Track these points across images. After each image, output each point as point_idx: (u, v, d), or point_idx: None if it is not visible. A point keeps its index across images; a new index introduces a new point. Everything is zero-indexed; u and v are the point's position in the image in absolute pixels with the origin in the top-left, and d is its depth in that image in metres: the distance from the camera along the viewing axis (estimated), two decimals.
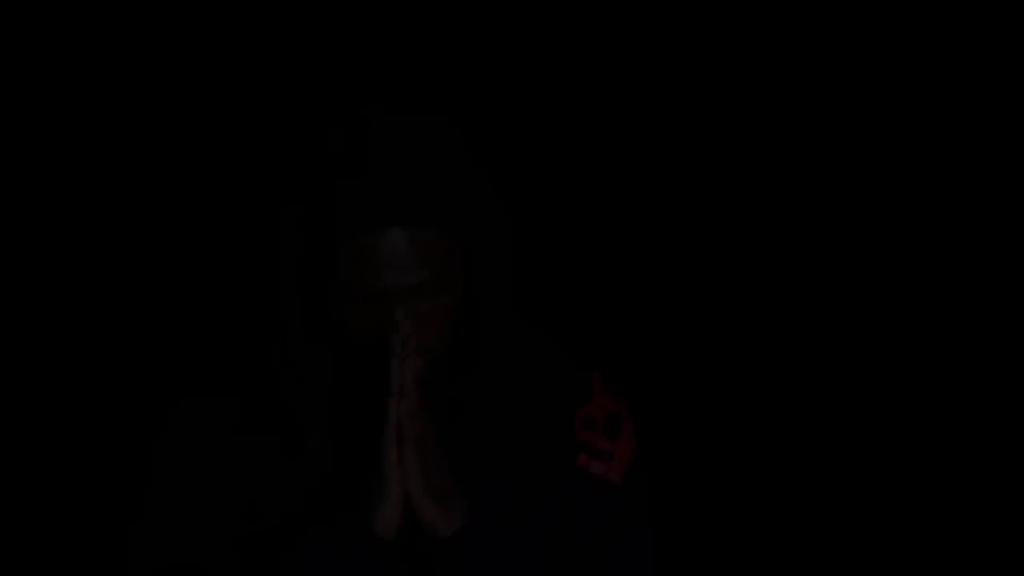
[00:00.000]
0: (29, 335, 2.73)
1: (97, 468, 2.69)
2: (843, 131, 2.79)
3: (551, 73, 2.78)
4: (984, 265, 2.77)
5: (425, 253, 1.30)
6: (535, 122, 2.78)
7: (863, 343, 2.82)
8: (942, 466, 2.79)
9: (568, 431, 1.41)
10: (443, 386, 1.37)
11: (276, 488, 1.39)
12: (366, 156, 1.31)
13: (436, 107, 1.37)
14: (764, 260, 2.82)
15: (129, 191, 2.74)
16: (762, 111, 2.79)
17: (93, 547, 2.67)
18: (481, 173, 1.37)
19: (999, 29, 2.71)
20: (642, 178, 2.81)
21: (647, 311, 2.82)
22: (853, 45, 2.76)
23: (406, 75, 2.68)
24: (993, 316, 2.77)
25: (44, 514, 2.71)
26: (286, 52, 2.71)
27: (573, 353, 1.47)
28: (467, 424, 1.38)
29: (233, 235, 2.70)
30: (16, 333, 2.72)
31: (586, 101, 2.79)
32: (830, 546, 2.80)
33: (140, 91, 2.71)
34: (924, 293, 2.79)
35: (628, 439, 1.43)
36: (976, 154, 2.76)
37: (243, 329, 1.47)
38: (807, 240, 2.81)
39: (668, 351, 2.82)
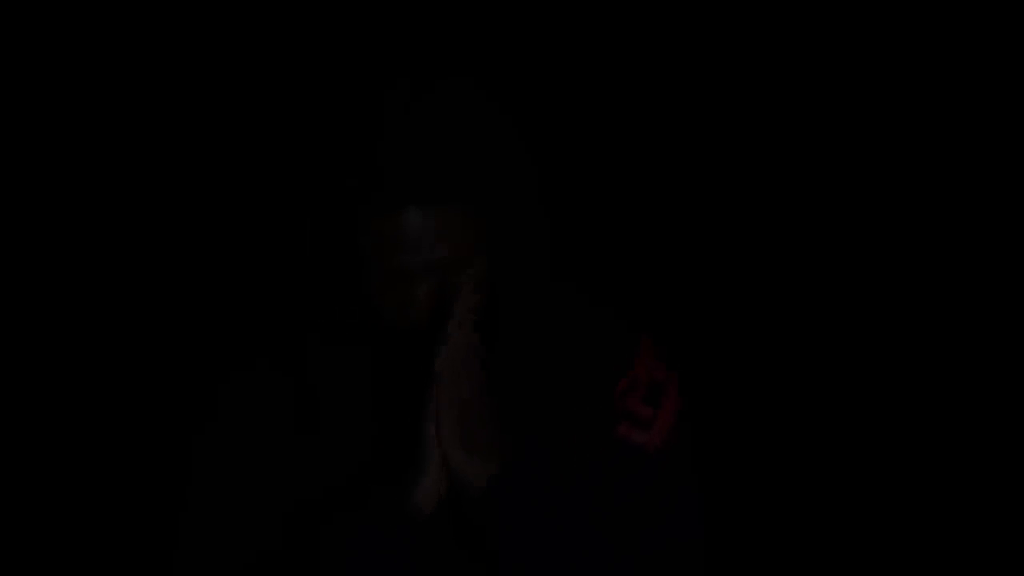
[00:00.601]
0: (62, 307, 2.74)
1: (133, 447, 2.71)
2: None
3: (586, 32, 2.76)
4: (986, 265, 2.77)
5: (445, 231, 1.29)
6: (571, 80, 2.76)
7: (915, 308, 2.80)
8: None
9: (608, 397, 1.38)
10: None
11: (315, 466, 1.38)
12: (386, 133, 1.29)
13: (462, 69, 1.35)
14: (815, 218, 2.79)
15: (163, 173, 2.74)
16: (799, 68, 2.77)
17: (133, 528, 2.68)
18: (511, 136, 1.34)
19: (999, 29, 2.69)
20: (693, 139, 2.80)
21: (699, 273, 2.80)
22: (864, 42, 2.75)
23: (430, 37, 2.67)
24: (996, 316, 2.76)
25: (90, 489, 2.72)
26: (309, 25, 2.70)
27: (620, 316, 1.44)
28: (502, 390, 1.34)
29: (260, 214, 2.70)
30: (46, 304, 2.73)
31: (624, 59, 2.76)
32: (878, 512, 2.78)
33: (163, 68, 2.71)
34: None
35: (672, 405, 1.39)
36: (977, 154, 2.75)
37: (280, 306, 1.47)
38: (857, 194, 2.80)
39: (720, 315, 2.80)
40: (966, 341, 2.75)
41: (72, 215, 2.71)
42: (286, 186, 1.50)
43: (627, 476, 1.35)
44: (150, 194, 2.73)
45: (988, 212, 2.73)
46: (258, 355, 1.44)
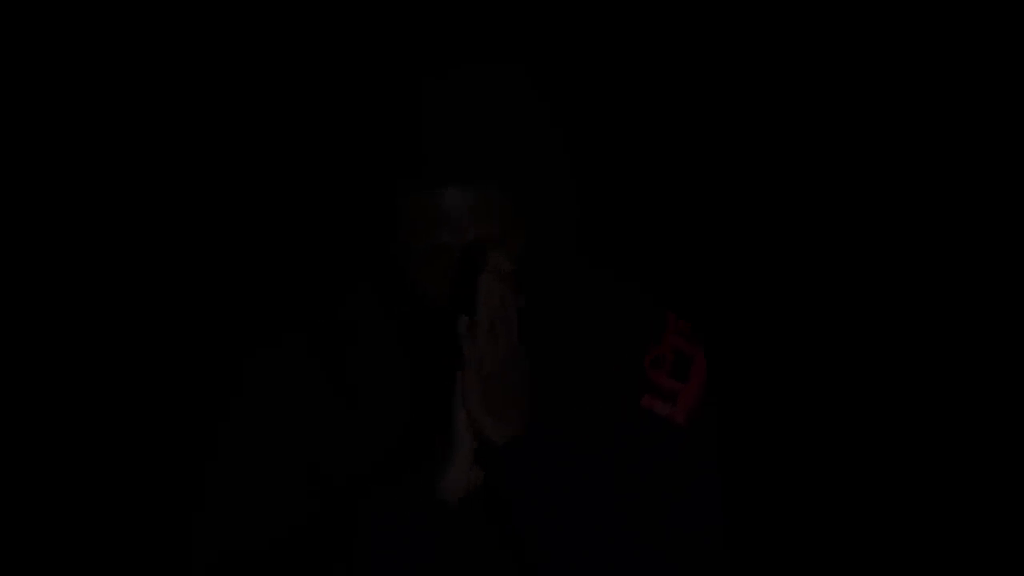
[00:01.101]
0: (83, 292, 2.76)
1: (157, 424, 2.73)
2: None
3: (619, 21, 2.77)
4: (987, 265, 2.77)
5: (482, 210, 1.29)
6: (601, 67, 2.76)
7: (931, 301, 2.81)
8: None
9: (635, 370, 1.39)
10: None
11: (343, 449, 1.38)
12: (425, 112, 1.30)
13: (500, 56, 1.35)
14: (843, 200, 2.80)
15: (192, 156, 2.76)
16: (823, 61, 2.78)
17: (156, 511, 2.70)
18: (545, 118, 1.35)
19: (999, 29, 2.69)
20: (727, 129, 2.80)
21: (727, 252, 2.81)
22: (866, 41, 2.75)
23: (468, 24, 2.68)
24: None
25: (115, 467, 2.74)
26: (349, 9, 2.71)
27: (647, 291, 1.45)
28: (531, 360, 1.34)
29: (296, 194, 2.71)
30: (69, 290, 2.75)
31: (651, 47, 2.77)
32: (895, 502, 2.80)
33: (185, 49, 2.73)
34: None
35: (698, 380, 1.40)
36: (977, 154, 2.75)
37: (312, 286, 1.47)
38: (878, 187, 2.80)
39: (747, 293, 2.81)
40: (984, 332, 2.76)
41: (104, 194, 2.73)
42: (326, 166, 1.51)
43: (650, 449, 1.36)
44: (183, 176, 2.74)
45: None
46: (289, 333, 1.43)
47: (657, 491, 1.36)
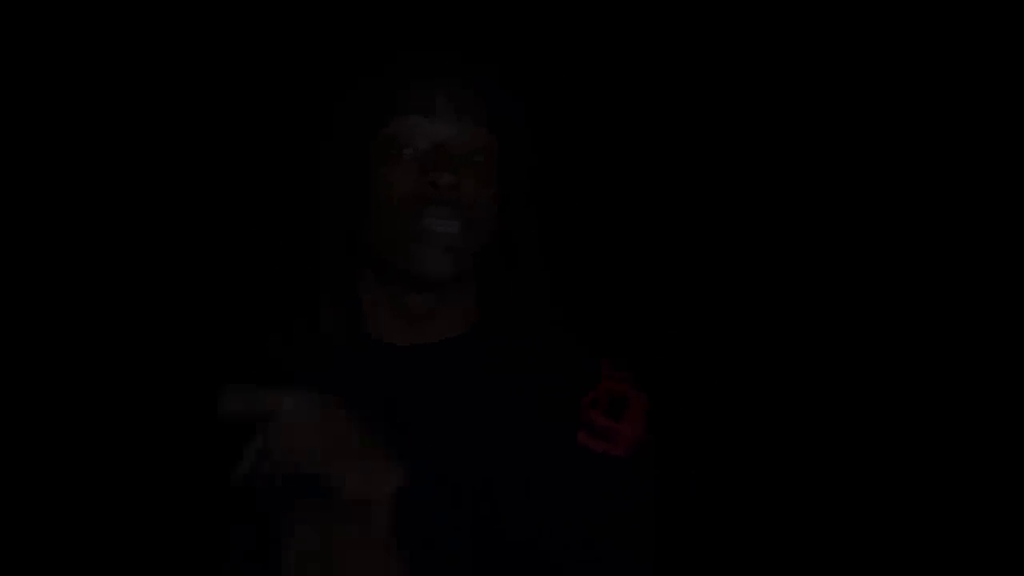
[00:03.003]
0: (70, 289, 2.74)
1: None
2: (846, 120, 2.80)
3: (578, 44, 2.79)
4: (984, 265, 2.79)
5: (477, 112, 1.34)
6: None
7: (865, 337, 2.83)
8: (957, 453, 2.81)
9: (571, 413, 1.39)
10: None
11: None
12: (415, 54, 1.36)
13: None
14: (781, 246, 2.82)
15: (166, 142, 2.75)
16: (772, 106, 2.81)
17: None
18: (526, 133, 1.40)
19: (999, 29, 2.73)
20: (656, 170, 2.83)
21: (664, 302, 2.82)
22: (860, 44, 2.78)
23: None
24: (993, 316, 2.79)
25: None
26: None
27: (584, 342, 1.47)
28: (468, 387, 1.38)
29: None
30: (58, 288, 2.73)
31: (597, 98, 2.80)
32: (838, 541, 2.83)
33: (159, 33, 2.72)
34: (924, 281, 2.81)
35: (633, 420, 1.41)
36: (976, 154, 2.78)
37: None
38: (815, 233, 2.83)
39: (685, 338, 2.82)
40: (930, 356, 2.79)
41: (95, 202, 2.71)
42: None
43: (585, 487, 1.37)
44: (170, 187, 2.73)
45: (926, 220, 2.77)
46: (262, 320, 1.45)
47: (595, 527, 1.36)
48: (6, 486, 2.70)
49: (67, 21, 2.70)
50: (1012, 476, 2.78)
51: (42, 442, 2.72)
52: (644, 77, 2.79)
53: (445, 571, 1.27)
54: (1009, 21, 2.71)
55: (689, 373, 2.83)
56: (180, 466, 1.42)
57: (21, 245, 2.72)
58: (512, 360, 1.40)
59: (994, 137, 2.77)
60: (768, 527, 2.86)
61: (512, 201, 1.41)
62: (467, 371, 1.38)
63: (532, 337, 1.42)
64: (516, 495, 1.33)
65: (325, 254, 1.39)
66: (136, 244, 2.73)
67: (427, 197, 1.33)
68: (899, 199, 2.81)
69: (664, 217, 2.83)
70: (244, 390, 1.18)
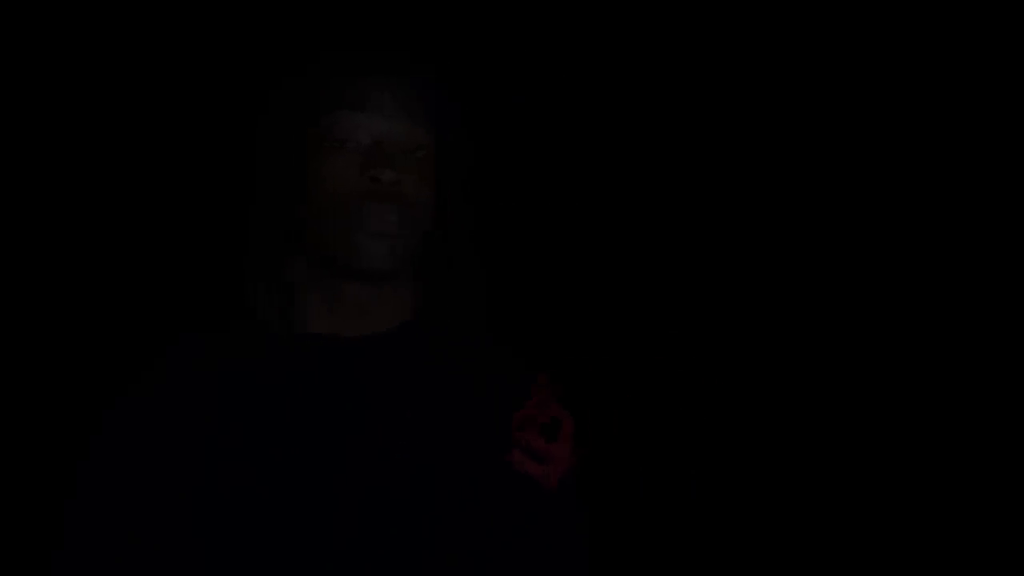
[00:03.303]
0: None
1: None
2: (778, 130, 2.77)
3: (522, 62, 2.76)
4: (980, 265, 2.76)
5: (416, 111, 1.36)
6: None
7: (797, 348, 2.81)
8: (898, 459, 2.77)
9: (503, 423, 1.38)
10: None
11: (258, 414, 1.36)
12: (360, 50, 1.38)
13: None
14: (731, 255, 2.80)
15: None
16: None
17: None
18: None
19: (999, 29, 2.69)
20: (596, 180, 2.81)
21: (599, 318, 2.81)
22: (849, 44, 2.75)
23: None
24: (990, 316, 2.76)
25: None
26: None
27: (519, 348, 1.46)
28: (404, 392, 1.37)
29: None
30: None
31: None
32: (836, 541, 2.80)
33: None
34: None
35: (567, 443, 1.40)
36: (975, 154, 2.74)
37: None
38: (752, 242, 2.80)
39: (618, 360, 2.81)
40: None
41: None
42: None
43: (517, 506, 1.36)
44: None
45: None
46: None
47: (521, 549, 1.35)
48: None
49: None
50: (1010, 476, 2.74)
51: None
52: (582, 78, 2.78)
53: (364, 566, 1.28)
54: (1009, 21, 2.65)
55: (686, 372, 2.81)
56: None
57: None
58: (445, 359, 1.41)
59: (989, 136, 2.73)
60: (766, 526, 2.83)
61: (449, 199, 1.42)
62: (399, 366, 1.38)
63: (466, 337, 1.43)
64: (440, 497, 1.33)
65: (258, 243, 1.40)
66: (65, 230, 2.70)
67: (368, 192, 1.34)
68: (859, 192, 2.79)
69: (601, 221, 2.82)
70: None
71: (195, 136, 2.62)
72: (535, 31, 2.77)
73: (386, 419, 1.34)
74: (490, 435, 1.37)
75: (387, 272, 1.35)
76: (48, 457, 2.61)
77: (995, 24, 2.70)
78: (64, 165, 2.71)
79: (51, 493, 2.50)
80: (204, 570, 1.28)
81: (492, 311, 1.44)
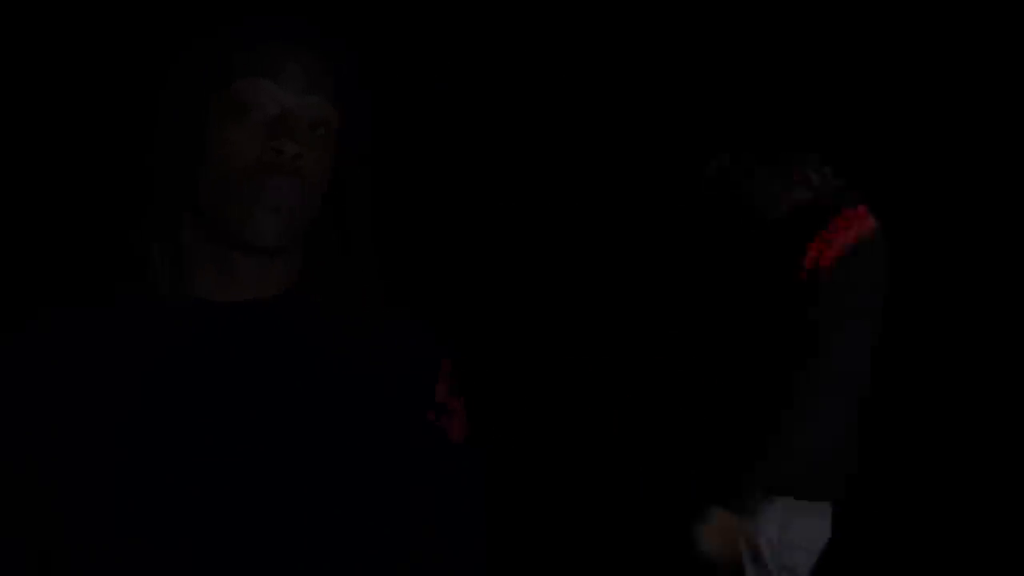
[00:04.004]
0: None
1: None
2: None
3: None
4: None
5: (325, 85, 1.35)
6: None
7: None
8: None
9: (393, 388, 1.40)
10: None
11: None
12: (271, 18, 1.37)
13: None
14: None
15: None
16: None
17: None
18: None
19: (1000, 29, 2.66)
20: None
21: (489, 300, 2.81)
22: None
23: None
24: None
25: None
26: None
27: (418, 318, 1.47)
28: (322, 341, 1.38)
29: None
30: None
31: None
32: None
33: None
34: None
35: (461, 414, 1.44)
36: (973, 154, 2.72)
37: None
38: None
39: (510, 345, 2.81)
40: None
41: None
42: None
43: (428, 457, 1.39)
44: None
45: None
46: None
47: (429, 500, 1.39)
48: None
49: None
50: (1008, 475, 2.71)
51: None
52: (490, 63, 2.76)
53: (258, 531, 1.28)
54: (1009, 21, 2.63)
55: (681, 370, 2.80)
56: None
57: None
58: (332, 323, 1.41)
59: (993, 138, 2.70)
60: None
61: (347, 176, 1.41)
62: (284, 330, 1.38)
63: (353, 303, 1.43)
64: (334, 459, 1.33)
65: (156, 204, 1.38)
66: None
67: (270, 164, 1.32)
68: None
69: (498, 212, 2.81)
70: None
71: (97, 93, 2.58)
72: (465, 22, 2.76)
73: (271, 382, 1.33)
74: (377, 396, 1.38)
75: (282, 245, 1.34)
76: None
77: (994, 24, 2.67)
78: None
79: None
80: (79, 542, 1.27)
81: (391, 285, 1.45)
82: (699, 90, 2.76)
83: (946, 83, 2.77)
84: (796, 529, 2.68)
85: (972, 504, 2.79)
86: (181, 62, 1.38)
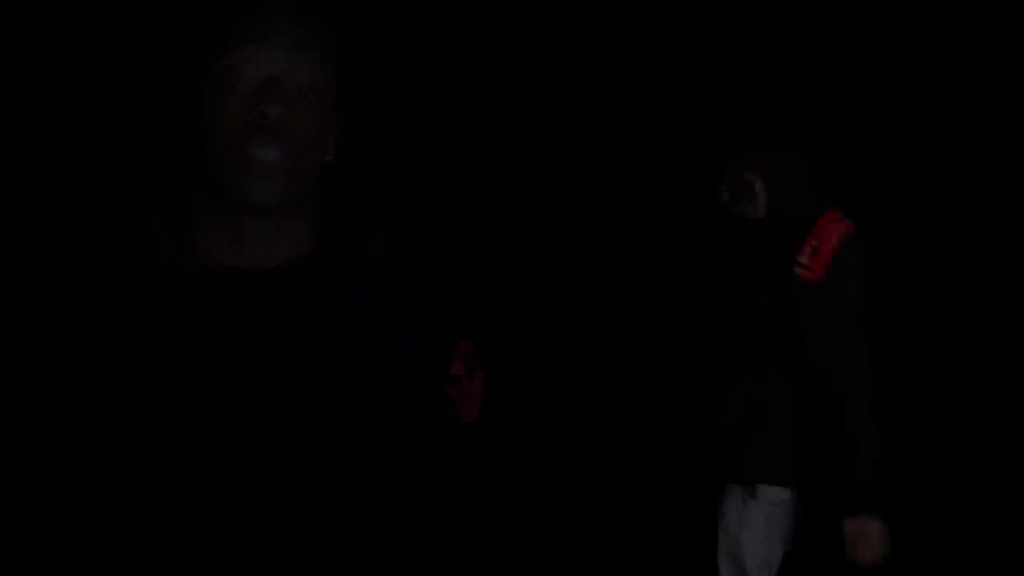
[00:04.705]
0: None
1: None
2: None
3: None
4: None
5: (313, 48, 1.37)
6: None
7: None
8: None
9: (404, 356, 1.40)
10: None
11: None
12: None
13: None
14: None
15: None
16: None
17: None
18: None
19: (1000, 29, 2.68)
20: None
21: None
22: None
23: None
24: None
25: None
26: None
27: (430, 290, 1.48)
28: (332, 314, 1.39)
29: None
30: None
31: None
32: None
33: None
34: None
35: (479, 385, 1.45)
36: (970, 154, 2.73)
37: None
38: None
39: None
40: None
41: None
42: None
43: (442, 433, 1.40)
44: None
45: None
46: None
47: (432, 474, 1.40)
48: None
49: None
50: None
51: None
52: (492, 59, 2.77)
53: (277, 498, 1.31)
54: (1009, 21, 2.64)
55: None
56: None
57: None
58: (346, 292, 1.42)
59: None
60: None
61: (351, 137, 1.43)
62: (299, 297, 1.40)
63: (368, 273, 1.44)
64: (345, 430, 1.35)
65: (159, 179, 1.41)
66: None
67: (255, 127, 1.35)
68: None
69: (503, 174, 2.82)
70: None
71: (97, 69, 2.58)
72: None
73: (286, 346, 1.35)
74: (390, 364, 1.39)
75: (273, 204, 1.36)
76: None
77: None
78: None
79: None
80: (106, 511, 1.31)
81: (405, 255, 1.45)
82: (699, 90, 2.77)
83: (941, 83, 2.79)
84: (756, 520, 2.70)
85: (972, 504, 2.79)
86: (177, 35, 1.41)
